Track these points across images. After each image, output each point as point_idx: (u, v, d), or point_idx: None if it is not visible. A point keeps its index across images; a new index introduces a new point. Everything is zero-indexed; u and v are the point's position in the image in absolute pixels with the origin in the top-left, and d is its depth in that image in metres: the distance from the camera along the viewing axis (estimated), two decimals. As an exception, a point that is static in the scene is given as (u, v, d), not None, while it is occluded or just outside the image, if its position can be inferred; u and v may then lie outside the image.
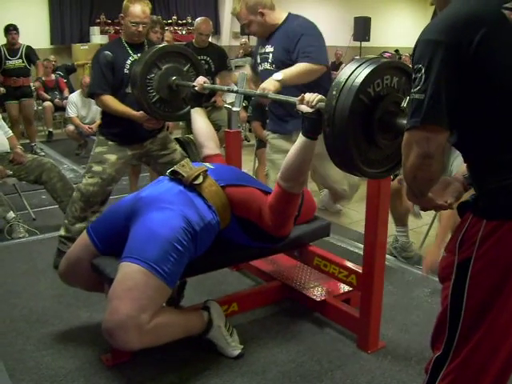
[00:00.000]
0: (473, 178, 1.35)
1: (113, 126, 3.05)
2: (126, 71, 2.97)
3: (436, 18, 1.26)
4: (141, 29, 2.94)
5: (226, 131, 2.93)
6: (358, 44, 11.92)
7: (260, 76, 2.88)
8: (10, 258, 3.32)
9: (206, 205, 2.12)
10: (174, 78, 2.85)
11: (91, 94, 3.06)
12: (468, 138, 1.31)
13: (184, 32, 10.23)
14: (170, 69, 2.86)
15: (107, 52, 2.96)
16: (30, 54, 6.43)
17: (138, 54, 2.98)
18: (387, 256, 3.03)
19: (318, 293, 2.63)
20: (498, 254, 1.26)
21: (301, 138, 2.03)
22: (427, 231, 3.63)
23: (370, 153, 1.69)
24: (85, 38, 9.65)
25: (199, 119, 2.69)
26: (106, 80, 2.95)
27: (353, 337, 2.40)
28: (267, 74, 2.71)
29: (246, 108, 6.03)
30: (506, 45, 1.21)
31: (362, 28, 11.76)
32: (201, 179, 2.17)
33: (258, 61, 2.93)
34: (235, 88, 2.66)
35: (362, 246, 2.29)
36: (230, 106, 2.82)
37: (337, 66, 10.02)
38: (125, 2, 2.94)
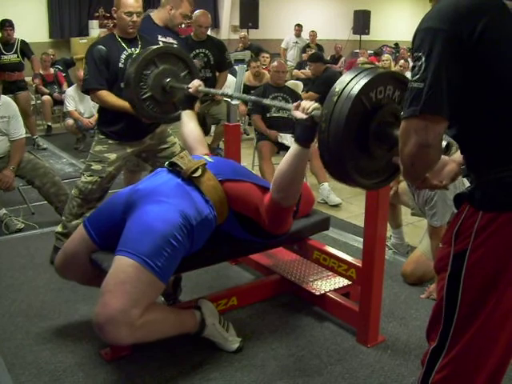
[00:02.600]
0: (470, 170, 1.35)
1: (112, 124, 3.02)
2: (120, 65, 2.93)
3: (437, 6, 1.24)
4: (135, 18, 2.91)
5: (225, 125, 2.92)
6: (357, 37, 11.92)
7: None
8: (9, 252, 3.31)
9: (203, 199, 2.10)
10: (169, 79, 2.81)
11: (87, 89, 3.01)
12: (467, 129, 1.30)
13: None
14: (166, 70, 2.81)
15: (101, 46, 2.92)
16: (25, 49, 6.39)
17: (132, 48, 2.95)
18: (387, 250, 3.03)
19: (317, 287, 2.63)
20: (494, 246, 1.26)
21: (293, 146, 2.00)
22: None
23: (363, 161, 1.65)
24: (84, 32, 9.63)
25: (189, 122, 2.64)
26: (102, 75, 2.91)
27: (352, 331, 2.40)
28: None
29: (245, 102, 5.99)
30: (507, 36, 1.20)
31: (362, 21, 11.77)
32: (200, 172, 2.15)
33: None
34: (230, 92, 2.65)
35: (362, 239, 2.29)
36: (229, 100, 2.80)
37: (336, 60, 9.99)
38: None
